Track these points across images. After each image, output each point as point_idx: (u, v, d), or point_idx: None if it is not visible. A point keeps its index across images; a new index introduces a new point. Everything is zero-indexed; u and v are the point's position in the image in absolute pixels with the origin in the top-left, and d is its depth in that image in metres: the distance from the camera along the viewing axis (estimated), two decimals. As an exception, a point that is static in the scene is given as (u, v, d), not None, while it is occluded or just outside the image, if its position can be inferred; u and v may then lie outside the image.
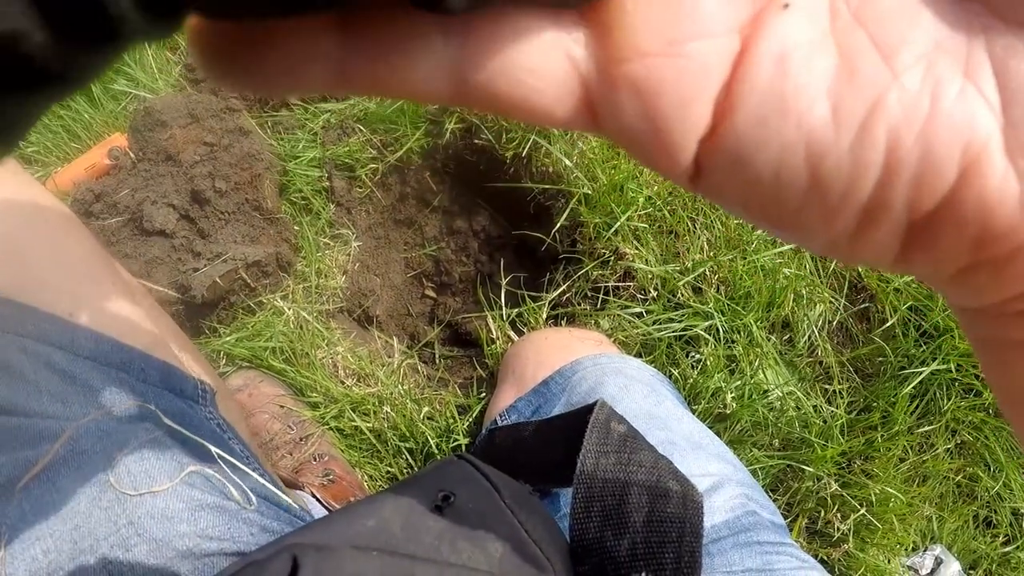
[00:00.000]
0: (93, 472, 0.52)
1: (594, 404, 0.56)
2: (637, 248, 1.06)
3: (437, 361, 1.15)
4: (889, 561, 1.07)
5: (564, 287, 1.08)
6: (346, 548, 0.34)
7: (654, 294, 1.06)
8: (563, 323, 1.08)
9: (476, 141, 1.11)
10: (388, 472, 1.05)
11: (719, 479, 0.68)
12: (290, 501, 0.65)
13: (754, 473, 1.02)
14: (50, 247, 0.60)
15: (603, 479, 0.51)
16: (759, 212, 0.18)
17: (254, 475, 0.61)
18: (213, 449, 0.58)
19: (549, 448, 0.60)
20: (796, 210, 0.17)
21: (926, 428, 1.09)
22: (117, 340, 0.60)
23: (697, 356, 1.05)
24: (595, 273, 1.06)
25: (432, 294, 1.21)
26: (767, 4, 0.16)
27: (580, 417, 0.56)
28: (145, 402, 0.57)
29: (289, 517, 0.63)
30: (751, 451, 1.04)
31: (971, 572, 1.12)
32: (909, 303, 1.11)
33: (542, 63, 0.16)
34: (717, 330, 1.04)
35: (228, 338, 1.06)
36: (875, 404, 1.08)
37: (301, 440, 0.98)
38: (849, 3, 0.16)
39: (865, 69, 0.16)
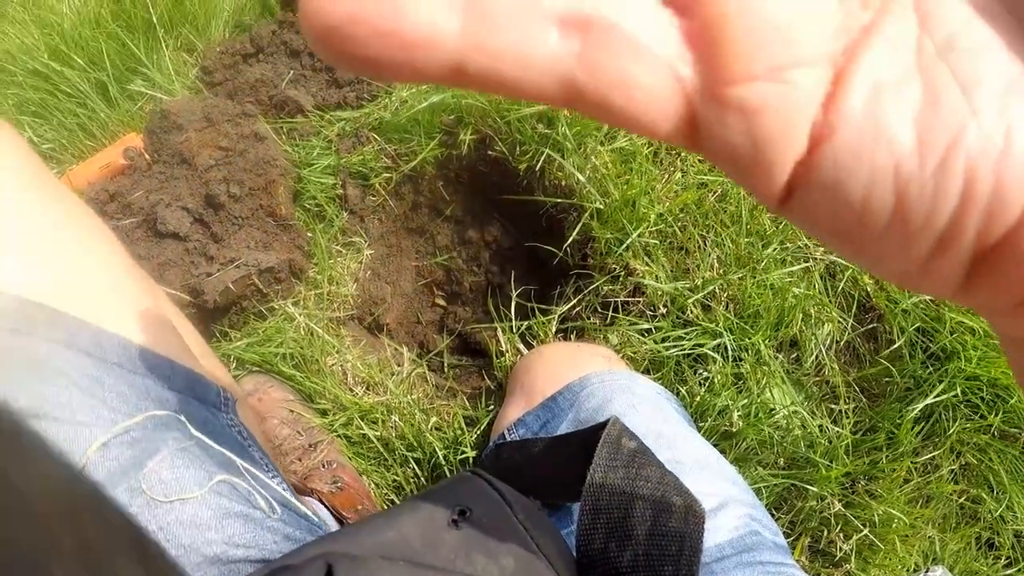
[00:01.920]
0: (124, 479, 0.53)
1: (606, 421, 0.57)
2: (647, 264, 1.06)
3: (446, 370, 1.16)
4: (891, 582, 1.07)
5: (574, 301, 1.08)
6: (375, 557, 0.35)
7: (663, 311, 1.06)
8: (572, 337, 1.09)
9: (490, 153, 1.12)
10: (394, 481, 1.05)
11: (724, 499, 0.69)
12: (308, 511, 0.66)
13: (758, 491, 1.02)
14: (79, 253, 0.61)
15: (610, 492, 0.52)
16: (844, 236, 0.19)
17: (277, 487, 0.62)
18: (238, 461, 0.59)
19: (561, 465, 0.61)
20: (879, 235, 0.19)
21: (932, 453, 1.09)
22: (144, 347, 0.60)
23: (705, 373, 1.05)
24: (605, 288, 1.07)
25: (442, 303, 1.22)
26: (859, 37, 0.18)
27: (593, 434, 0.57)
28: (174, 410, 0.58)
29: (308, 525, 0.64)
30: (756, 469, 1.04)
31: (972, 595, 1.12)
32: (917, 324, 1.11)
33: (653, 80, 0.17)
34: (725, 348, 1.05)
35: (239, 343, 1.07)
36: (880, 425, 1.09)
37: (310, 447, 0.98)
38: (933, 39, 0.18)
39: (947, 102, 0.17)
